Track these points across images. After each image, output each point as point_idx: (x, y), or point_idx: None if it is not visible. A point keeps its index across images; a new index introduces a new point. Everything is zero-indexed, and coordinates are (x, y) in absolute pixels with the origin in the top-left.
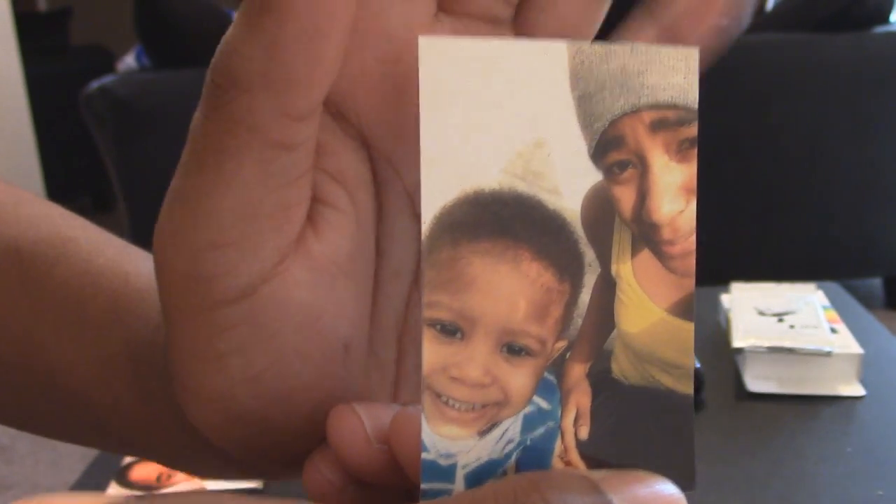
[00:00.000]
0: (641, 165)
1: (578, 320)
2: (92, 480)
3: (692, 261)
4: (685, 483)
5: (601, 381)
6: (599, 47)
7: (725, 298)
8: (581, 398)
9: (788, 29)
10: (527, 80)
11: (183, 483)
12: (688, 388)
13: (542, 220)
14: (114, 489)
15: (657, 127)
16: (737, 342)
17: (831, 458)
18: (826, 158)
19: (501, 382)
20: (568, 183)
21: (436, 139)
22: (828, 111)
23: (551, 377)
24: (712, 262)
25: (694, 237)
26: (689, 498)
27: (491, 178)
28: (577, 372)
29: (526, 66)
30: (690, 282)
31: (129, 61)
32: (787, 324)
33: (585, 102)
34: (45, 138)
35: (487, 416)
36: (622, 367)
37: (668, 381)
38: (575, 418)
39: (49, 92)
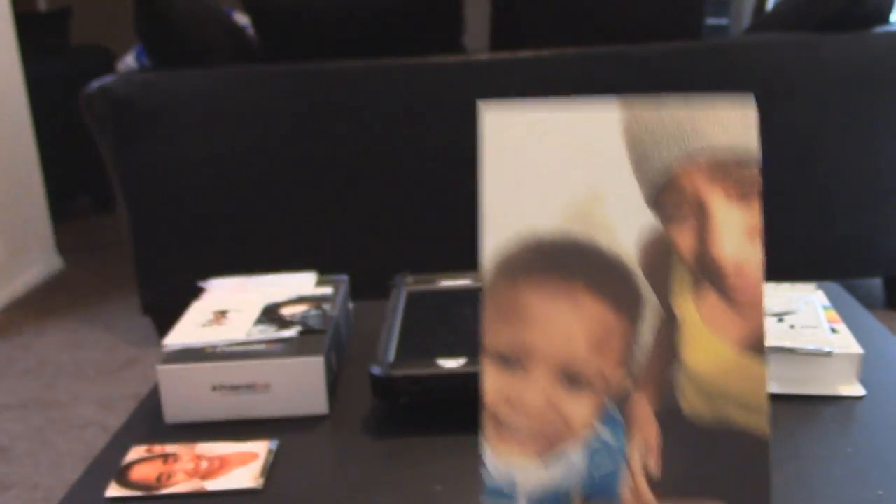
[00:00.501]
0: (700, 209)
1: (641, 357)
2: (92, 480)
3: (760, 299)
4: None
5: (671, 418)
6: (651, 103)
7: None
8: (649, 435)
9: (788, 29)
10: (582, 139)
11: (183, 483)
12: (764, 428)
13: (597, 258)
14: (113, 489)
15: (716, 173)
16: None
17: (831, 458)
18: (826, 158)
19: (562, 411)
20: (624, 227)
21: (496, 193)
22: (828, 111)
23: (617, 414)
24: None
25: (761, 277)
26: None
27: (548, 224)
28: (644, 409)
29: (581, 127)
30: (760, 319)
31: (129, 61)
32: (787, 324)
33: (640, 154)
34: (45, 138)
35: (548, 443)
36: (693, 406)
37: (742, 419)
38: (644, 454)
39: (49, 92)
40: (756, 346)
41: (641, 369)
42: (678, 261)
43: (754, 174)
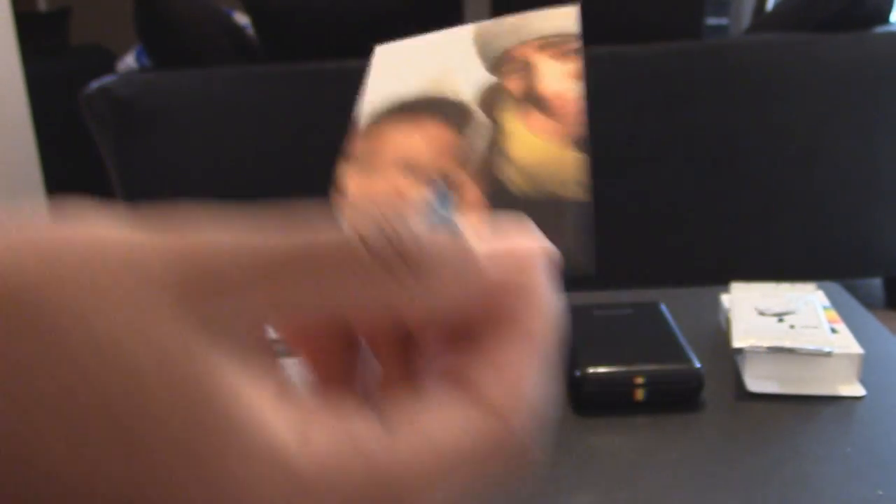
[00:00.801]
0: (528, 65)
1: (475, 158)
2: None
3: (578, 113)
4: (586, 269)
5: (498, 195)
6: (495, 19)
7: (725, 298)
8: (477, 206)
9: (788, 29)
10: (442, 44)
11: None
12: (583, 195)
13: (443, 102)
14: None
15: (543, 46)
16: (737, 342)
17: (831, 458)
18: (826, 158)
19: (403, 194)
20: (467, 85)
21: (374, 84)
22: (828, 111)
23: (450, 193)
24: (712, 262)
25: (581, 101)
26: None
27: (409, 92)
28: (474, 191)
29: (443, 38)
30: (578, 126)
31: (129, 61)
32: (788, 324)
33: (484, 43)
34: (45, 138)
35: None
36: (518, 185)
37: (562, 190)
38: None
39: (49, 92)
40: (574, 143)
41: (474, 165)
42: (508, 97)
43: (574, 44)
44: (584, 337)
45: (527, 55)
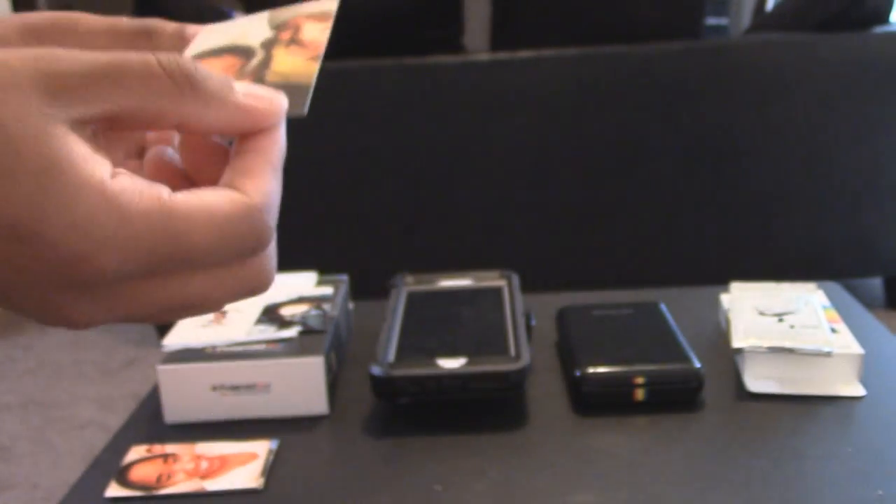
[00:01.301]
0: (296, 26)
1: (249, 70)
2: (92, 480)
3: (321, 49)
4: (297, 111)
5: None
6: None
7: (725, 298)
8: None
9: (788, 29)
10: (246, 24)
11: (183, 483)
12: (313, 82)
13: (236, 48)
14: (113, 489)
15: (309, 17)
16: (736, 342)
17: (831, 458)
18: (826, 158)
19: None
20: (256, 40)
21: (192, 45)
22: (827, 111)
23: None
24: (712, 262)
25: (323, 41)
26: (689, 497)
27: (213, 46)
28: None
29: (247, 21)
30: (319, 54)
31: None
32: (787, 324)
33: (272, 19)
34: None
35: None
36: (275, 81)
37: (303, 81)
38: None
39: None
40: (314, 60)
41: (249, 73)
42: (280, 41)
43: (330, 17)
44: (584, 337)
45: (297, 21)
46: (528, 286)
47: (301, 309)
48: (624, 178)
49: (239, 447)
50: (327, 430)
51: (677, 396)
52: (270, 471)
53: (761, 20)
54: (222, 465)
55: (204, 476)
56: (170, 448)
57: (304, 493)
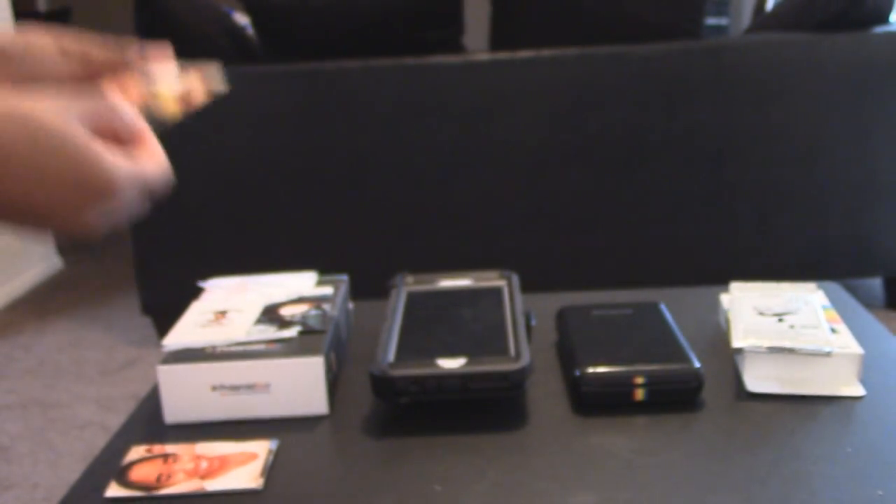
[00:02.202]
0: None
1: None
2: (92, 480)
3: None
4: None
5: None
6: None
7: (725, 298)
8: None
9: (788, 29)
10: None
11: (182, 483)
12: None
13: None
14: (113, 489)
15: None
16: (736, 342)
17: (831, 458)
18: (826, 158)
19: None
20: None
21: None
22: (827, 111)
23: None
24: (712, 262)
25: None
26: (689, 497)
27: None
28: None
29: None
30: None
31: None
32: (787, 324)
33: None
34: None
35: None
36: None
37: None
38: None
39: None
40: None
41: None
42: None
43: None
44: (584, 337)
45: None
46: (528, 286)
47: (301, 309)
48: (624, 177)
49: (239, 447)
50: (327, 430)
51: (677, 396)
52: (270, 471)
53: (761, 20)
54: (222, 465)
55: (204, 476)
56: (170, 448)
57: (303, 493)
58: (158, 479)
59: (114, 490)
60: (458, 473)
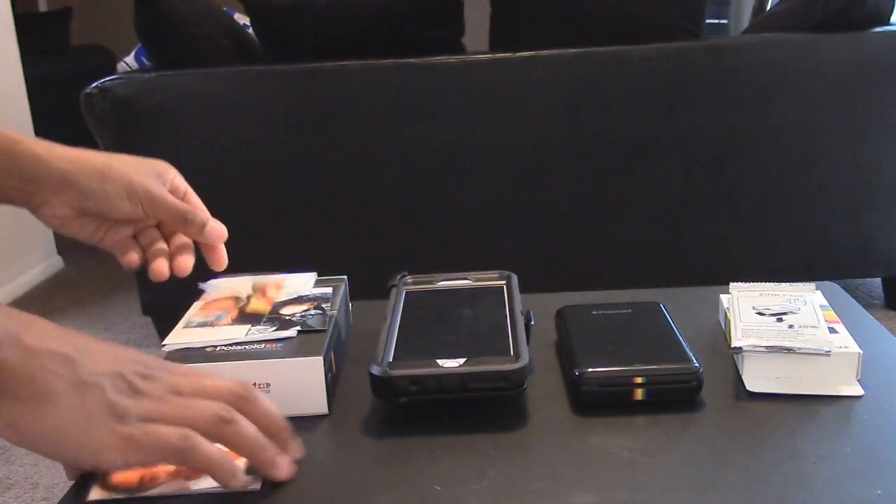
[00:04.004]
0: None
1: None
2: (84, 482)
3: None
4: None
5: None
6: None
7: (724, 298)
8: None
9: (788, 29)
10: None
11: (166, 485)
12: None
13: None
14: (96, 493)
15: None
16: (736, 342)
17: (831, 457)
18: (825, 158)
19: None
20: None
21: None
22: (827, 111)
23: None
24: (712, 262)
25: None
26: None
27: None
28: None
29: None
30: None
31: (129, 61)
32: (787, 324)
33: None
34: (45, 138)
35: None
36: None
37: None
38: None
39: (49, 92)
40: None
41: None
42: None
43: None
44: (584, 337)
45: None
46: (528, 286)
47: (301, 309)
48: (624, 177)
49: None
50: (327, 430)
51: (677, 396)
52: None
53: (761, 20)
54: None
55: (188, 476)
56: None
57: (303, 493)
58: (142, 479)
59: (96, 494)
60: (458, 473)
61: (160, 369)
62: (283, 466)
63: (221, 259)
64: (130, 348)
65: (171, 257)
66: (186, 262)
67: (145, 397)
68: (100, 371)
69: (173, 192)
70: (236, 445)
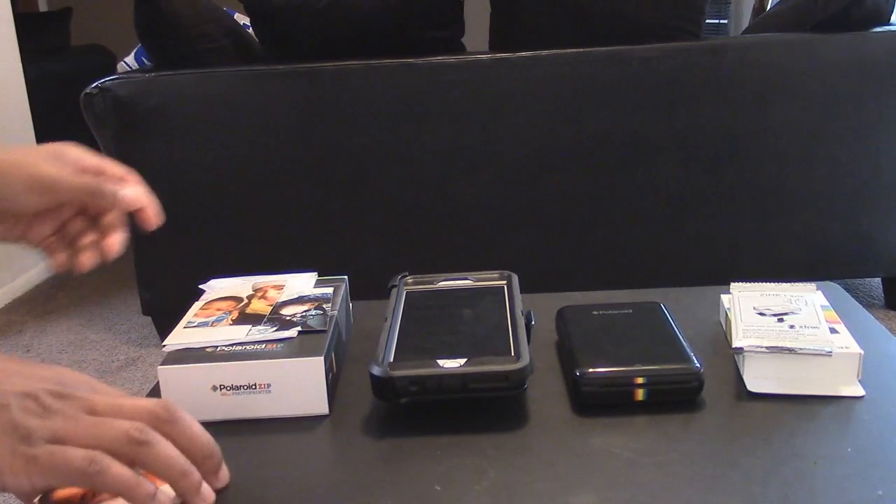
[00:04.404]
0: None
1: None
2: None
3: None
4: None
5: None
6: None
7: (725, 298)
8: None
9: (788, 29)
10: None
11: (108, 502)
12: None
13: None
14: None
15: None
16: (736, 342)
17: (831, 458)
18: (825, 158)
19: None
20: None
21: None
22: (827, 111)
23: None
24: (712, 262)
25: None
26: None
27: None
28: None
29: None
30: None
31: (129, 61)
32: (787, 324)
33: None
34: (45, 138)
35: None
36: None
37: None
38: None
39: (49, 92)
40: None
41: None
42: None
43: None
44: (584, 337)
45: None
46: (528, 286)
47: (301, 309)
48: (624, 177)
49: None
50: (327, 430)
51: (677, 396)
52: (271, 470)
53: (761, 20)
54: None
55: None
56: None
57: (304, 493)
58: (83, 498)
59: None
60: (458, 473)
61: (80, 388)
62: (207, 496)
63: (150, 220)
64: (61, 366)
65: (100, 241)
66: (113, 243)
67: (56, 417)
68: (9, 391)
69: (83, 170)
70: (153, 468)
